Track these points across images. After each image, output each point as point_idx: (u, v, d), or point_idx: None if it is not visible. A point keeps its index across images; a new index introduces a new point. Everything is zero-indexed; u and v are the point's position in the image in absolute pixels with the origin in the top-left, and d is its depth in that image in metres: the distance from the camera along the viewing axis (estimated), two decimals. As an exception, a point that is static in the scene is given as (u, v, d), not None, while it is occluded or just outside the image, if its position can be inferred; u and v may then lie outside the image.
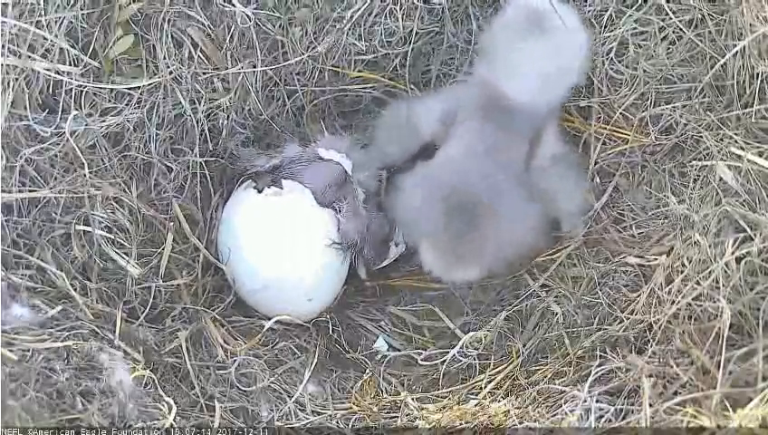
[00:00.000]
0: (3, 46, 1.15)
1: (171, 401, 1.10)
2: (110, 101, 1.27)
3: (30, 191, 1.17)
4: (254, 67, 1.37)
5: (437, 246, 1.29)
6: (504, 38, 1.29)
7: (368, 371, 1.32)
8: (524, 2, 1.28)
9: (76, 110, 1.22)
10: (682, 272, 1.18)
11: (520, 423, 1.14)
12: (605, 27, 1.36)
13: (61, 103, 1.21)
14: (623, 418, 1.08)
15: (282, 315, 1.31)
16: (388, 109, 1.41)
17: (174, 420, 1.08)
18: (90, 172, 1.21)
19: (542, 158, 1.33)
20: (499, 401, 1.22)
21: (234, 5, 1.33)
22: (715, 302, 1.10)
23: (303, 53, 1.40)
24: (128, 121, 1.28)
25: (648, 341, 1.17)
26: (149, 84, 1.29)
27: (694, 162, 1.26)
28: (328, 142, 1.37)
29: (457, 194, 1.26)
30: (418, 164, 1.33)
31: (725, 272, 1.11)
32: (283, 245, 1.30)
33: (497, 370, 1.29)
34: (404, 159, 1.37)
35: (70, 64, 1.22)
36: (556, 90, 1.31)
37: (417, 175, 1.31)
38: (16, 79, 1.17)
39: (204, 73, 1.34)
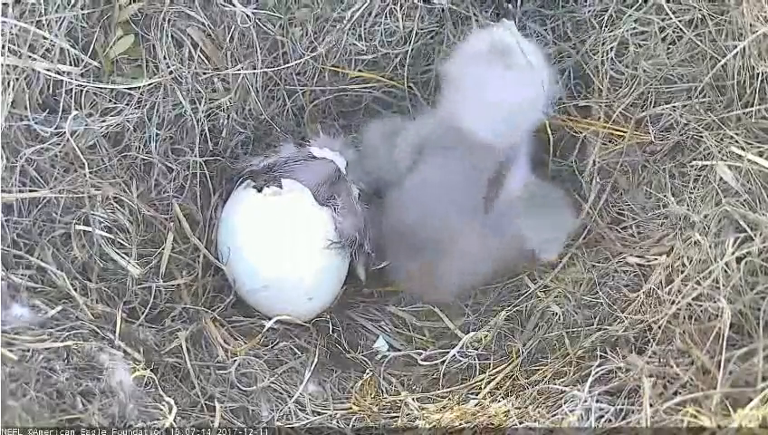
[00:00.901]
0: (3, 46, 1.15)
1: (171, 401, 1.10)
2: (110, 101, 1.27)
3: (30, 191, 1.17)
4: (254, 67, 1.37)
5: (405, 276, 1.35)
6: (466, 70, 1.28)
7: (368, 371, 1.32)
8: (489, 34, 1.28)
9: (76, 110, 1.22)
10: (682, 272, 1.18)
11: (520, 423, 1.14)
12: (605, 27, 1.36)
13: (61, 103, 1.21)
14: (623, 418, 1.08)
15: (282, 315, 1.31)
16: (374, 124, 1.41)
17: (174, 421, 1.07)
18: (90, 172, 1.21)
19: (506, 197, 1.31)
20: (499, 401, 1.22)
21: (234, 5, 1.33)
22: (715, 302, 1.10)
23: (304, 54, 1.40)
24: (128, 121, 1.28)
25: (649, 341, 1.17)
26: (149, 84, 1.30)
27: (694, 162, 1.26)
28: (322, 141, 1.37)
29: (416, 237, 1.29)
30: (389, 196, 1.35)
31: (726, 272, 1.11)
32: (282, 244, 1.30)
33: (497, 370, 1.29)
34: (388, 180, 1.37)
35: (70, 64, 1.22)
36: (516, 127, 1.29)
37: (386, 210, 1.34)
38: (17, 79, 1.17)
39: (204, 73, 1.35)
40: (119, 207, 1.24)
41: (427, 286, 1.35)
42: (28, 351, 1.05)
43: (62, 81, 1.21)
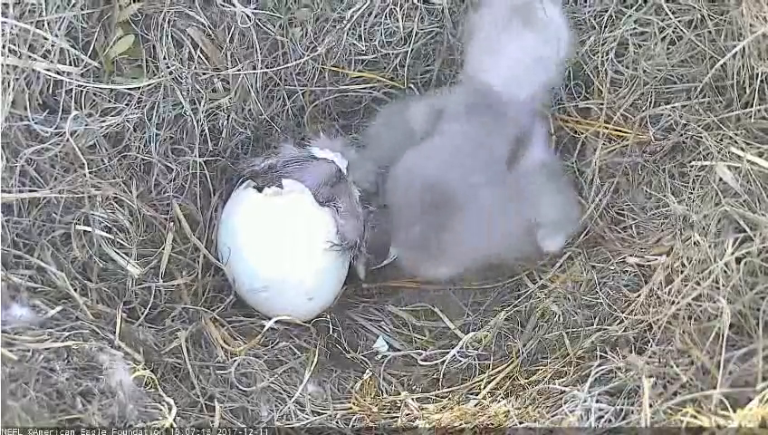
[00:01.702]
0: (3, 46, 1.15)
1: (171, 402, 1.10)
2: (110, 101, 1.27)
3: (30, 191, 1.17)
4: (254, 67, 1.37)
5: (409, 241, 1.30)
6: (487, 22, 1.29)
7: (368, 371, 1.32)
8: None
9: (76, 110, 1.22)
10: (682, 272, 1.18)
11: (520, 423, 1.14)
12: (605, 27, 1.36)
13: (61, 103, 1.21)
14: (623, 418, 1.08)
15: (282, 315, 1.31)
16: (383, 110, 1.42)
17: (174, 421, 1.07)
18: (90, 172, 1.21)
19: (530, 161, 1.33)
20: (499, 402, 1.22)
21: (234, 6, 1.33)
22: (714, 302, 1.10)
23: (304, 54, 1.40)
24: (128, 122, 1.28)
25: (648, 341, 1.17)
26: (149, 84, 1.30)
27: (693, 162, 1.26)
28: (323, 142, 1.37)
29: (432, 192, 1.27)
30: (404, 154, 1.33)
31: (725, 272, 1.11)
32: (283, 244, 1.30)
33: (497, 370, 1.29)
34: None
35: (70, 64, 1.22)
36: (531, 82, 1.30)
37: (399, 167, 1.31)
38: (17, 79, 1.17)
39: (204, 74, 1.34)
40: (118, 208, 1.24)
41: (430, 255, 1.31)
42: (28, 351, 1.05)
43: (61, 81, 1.21)
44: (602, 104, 1.37)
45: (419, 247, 1.30)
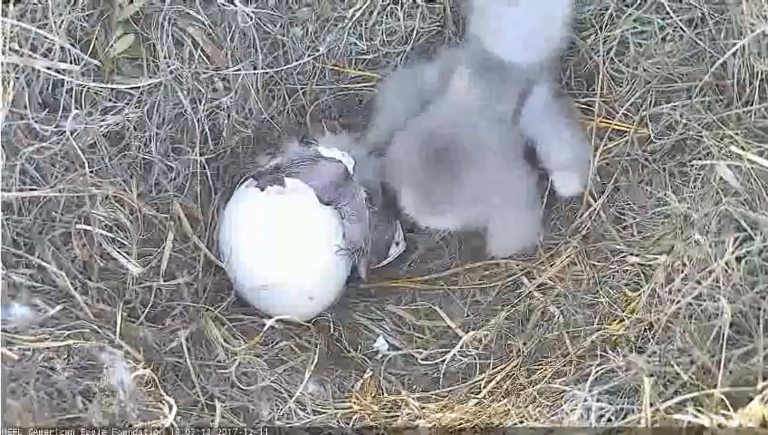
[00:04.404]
0: (4, 45, 1.15)
1: (172, 401, 1.10)
2: (110, 100, 1.27)
3: (30, 190, 1.17)
4: (255, 67, 1.37)
5: (415, 189, 1.30)
6: None
7: (368, 370, 1.32)
8: None
9: (76, 108, 1.22)
10: (682, 271, 1.18)
11: (520, 423, 1.14)
12: (605, 26, 1.36)
13: (61, 102, 1.21)
14: (623, 417, 1.08)
15: (282, 315, 1.31)
16: (392, 76, 1.42)
17: (174, 420, 1.07)
18: (90, 171, 1.21)
19: (531, 106, 1.34)
20: (499, 401, 1.22)
21: (234, 4, 1.33)
22: (715, 301, 1.10)
23: (304, 53, 1.40)
24: (128, 120, 1.28)
25: (649, 340, 1.17)
26: (150, 83, 1.30)
27: (694, 161, 1.26)
28: (328, 140, 1.37)
29: (438, 139, 1.27)
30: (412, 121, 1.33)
31: (726, 271, 1.11)
32: (284, 244, 1.30)
33: (497, 369, 1.29)
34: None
35: (70, 63, 1.22)
36: (539, 49, 1.32)
37: (406, 130, 1.32)
38: (17, 77, 1.17)
39: (204, 73, 1.35)
40: (119, 207, 1.24)
41: (434, 205, 1.30)
42: (28, 350, 1.05)
43: (62, 79, 1.21)
44: (602, 103, 1.37)
45: (425, 197, 1.29)
